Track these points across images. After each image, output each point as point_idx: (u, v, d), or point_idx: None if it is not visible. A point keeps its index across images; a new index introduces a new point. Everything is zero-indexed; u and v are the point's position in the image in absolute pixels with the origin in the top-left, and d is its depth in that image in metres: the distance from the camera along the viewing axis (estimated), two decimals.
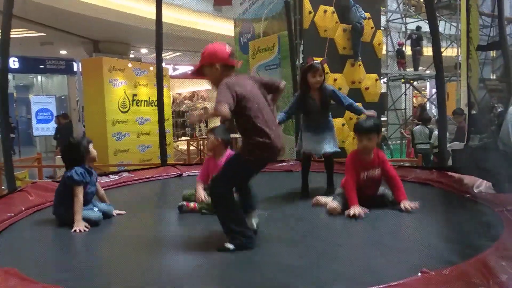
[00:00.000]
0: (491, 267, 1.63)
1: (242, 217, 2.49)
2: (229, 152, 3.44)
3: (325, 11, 7.61)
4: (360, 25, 7.76)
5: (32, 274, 1.94)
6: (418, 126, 8.50)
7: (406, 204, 2.95)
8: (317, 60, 3.60)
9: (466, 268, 1.69)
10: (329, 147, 3.60)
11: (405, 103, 13.55)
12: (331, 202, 3.08)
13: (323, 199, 3.27)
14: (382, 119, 11.47)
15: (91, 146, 3.19)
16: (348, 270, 2.04)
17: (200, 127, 18.02)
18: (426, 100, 14.69)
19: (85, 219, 2.90)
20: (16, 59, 13.38)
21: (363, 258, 2.21)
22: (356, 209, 2.86)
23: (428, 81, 16.94)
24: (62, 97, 15.91)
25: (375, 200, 3.10)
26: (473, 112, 4.59)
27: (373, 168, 3.07)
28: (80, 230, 2.80)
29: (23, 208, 3.26)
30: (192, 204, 3.29)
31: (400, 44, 12.33)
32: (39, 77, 17.10)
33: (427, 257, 2.08)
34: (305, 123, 3.74)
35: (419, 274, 1.72)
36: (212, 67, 2.50)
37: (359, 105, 3.87)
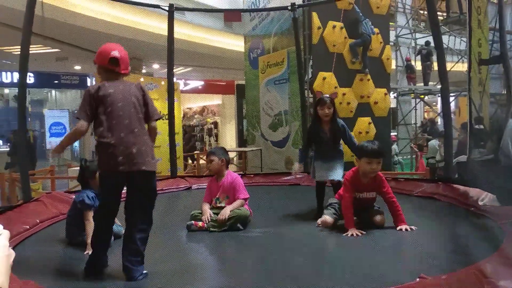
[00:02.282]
0: (488, 274, 1.67)
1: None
2: (229, 172, 3.54)
3: (334, 27, 7.73)
4: (369, 37, 7.86)
5: (50, 286, 2.03)
6: (432, 140, 8.55)
7: (402, 227, 2.95)
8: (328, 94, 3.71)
9: (463, 274, 1.73)
10: (337, 175, 3.61)
11: (415, 118, 13.53)
12: (323, 215, 3.16)
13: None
14: (393, 134, 11.48)
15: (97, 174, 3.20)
16: (349, 276, 2.10)
17: (210, 141, 18.15)
18: (436, 115, 14.64)
19: None
20: (32, 74, 13.73)
21: (364, 265, 2.27)
22: (353, 231, 2.88)
23: (439, 96, 16.88)
24: (75, 111, 16.20)
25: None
26: (481, 126, 4.60)
27: (368, 191, 3.10)
28: None
29: (38, 221, 3.34)
30: (200, 223, 3.32)
31: (408, 60, 12.38)
32: (53, 91, 17.45)
33: (427, 266, 2.13)
34: (316, 153, 3.79)
35: (418, 279, 1.77)
36: (98, 67, 2.57)
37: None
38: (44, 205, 3.61)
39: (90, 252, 2.79)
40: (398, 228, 2.95)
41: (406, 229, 2.92)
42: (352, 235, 2.86)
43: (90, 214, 3.00)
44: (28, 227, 3.18)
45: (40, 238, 3.13)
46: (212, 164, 3.48)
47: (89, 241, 2.86)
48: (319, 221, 3.22)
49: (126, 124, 2.40)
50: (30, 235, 3.11)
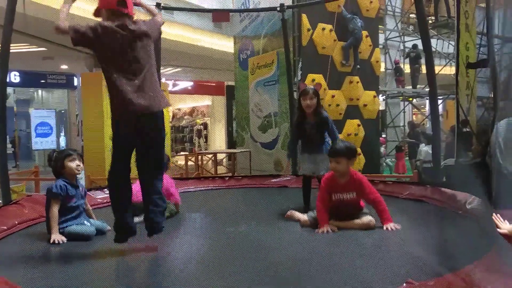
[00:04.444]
0: (476, 279, 1.64)
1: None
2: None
3: (323, 29, 7.73)
4: (360, 33, 7.89)
5: (21, 283, 1.97)
6: (422, 144, 8.66)
7: (388, 226, 2.97)
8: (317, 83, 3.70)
9: (451, 280, 1.70)
10: (324, 169, 3.59)
11: (404, 120, 13.61)
12: (304, 216, 3.21)
13: (297, 214, 3.36)
14: (383, 136, 11.55)
15: (67, 161, 3.10)
16: (334, 279, 2.06)
17: (199, 142, 18.07)
18: (424, 117, 14.74)
19: (77, 234, 2.93)
20: (17, 73, 13.52)
21: (350, 268, 2.24)
22: (325, 228, 2.95)
23: (427, 99, 16.99)
24: (62, 111, 16.01)
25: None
26: (465, 129, 4.62)
27: (345, 192, 3.08)
28: (58, 241, 2.84)
29: (16, 222, 3.26)
30: None
31: (397, 63, 12.46)
32: (39, 91, 17.22)
33: (414, 269, 2.10)
34: (302, 145, 3.84)
35: (404, 284, 1.74)
36: (101, 11, 2.62)
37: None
38: (24, 208, 3.51)
39: (56, 240, 2.85)
40: (384, 228, 2.95)
41: (392, 228, 2.93)
42: (324, 231, 2.92)
43: (54, 202, 2.97)
44: (5, 227, 3.10)
45: (17, 238, 3.06)
46: None
47: (53, 230, 2.90)
48: (288, 213, 3.39)
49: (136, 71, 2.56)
50: (6, 236, 3.04)
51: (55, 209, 2.96)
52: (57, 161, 3.12)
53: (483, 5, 6.37)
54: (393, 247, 2.66)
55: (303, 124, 3.70)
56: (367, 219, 3.03)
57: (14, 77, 13.32)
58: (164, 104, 2.57)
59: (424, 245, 2.60)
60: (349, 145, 3.15)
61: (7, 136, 4.12)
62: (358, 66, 8.10)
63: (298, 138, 3.88)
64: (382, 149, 10.69)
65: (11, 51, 3.81)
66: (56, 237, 2.87)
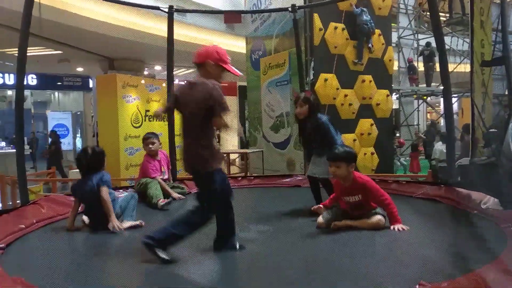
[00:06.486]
0: (490, 281, 1.63)
1: None
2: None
3: (336, 28, 7.69)
4: (367, 26, 7.81)
5: (39, 283, 2.00)
6: (439, 143, 8.56)
7: (395, 227, 2.97)
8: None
9: (464, 282, 1.69)
10: (318, 172, 3.65)
11: (418, 119, 13.49)
12: (319, 217, 3.20)
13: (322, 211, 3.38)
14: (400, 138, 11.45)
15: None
16: (346, 280, 2.06)
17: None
18: (439, 116, 14.57)
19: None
20: (35, 76, 13.78)
21: (361, 269, 2.23)
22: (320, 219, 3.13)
23: (442, 97, 16.77)
24: (78, 113, 16.24)
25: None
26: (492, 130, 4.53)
27: (350, 195, 3.12)
28: (118, 227, 3.10)
29: (35, 221, 3.34)
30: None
31: (410, 61, 12.33)
32: (56, 93, 17.50)
33: (427, 271, 2.09)
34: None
35: (417, 286, 1.73)
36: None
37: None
38: (42, 208, 3.59)
39: (117, 227, 3.10)
40: (391, 227, 2.96)
41: (399, 229, 2.92)
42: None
43: (107, 192, 3.21)
44: (23, 226, 3.18)
45: (36, 236, 3.13)
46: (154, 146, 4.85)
47: (113, 216, 3.14)
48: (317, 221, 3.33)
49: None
50: (24, 234, 3.10)
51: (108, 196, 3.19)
52: (104, 156, 3.39)
53: (499, 1, 6.28)
54: (406, 248, 2.64)
55: (304, 128, 3.80)
56: (376, 218, 3.03)
57: (31, 79, 13.58)
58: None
59: (437, 246, 2.58)
60: (349, 149, 3.18)
61: (25, 138, 4.21)
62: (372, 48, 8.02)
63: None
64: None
65: (27, 54, 3.89)
66: (117, 223, 3.13)
